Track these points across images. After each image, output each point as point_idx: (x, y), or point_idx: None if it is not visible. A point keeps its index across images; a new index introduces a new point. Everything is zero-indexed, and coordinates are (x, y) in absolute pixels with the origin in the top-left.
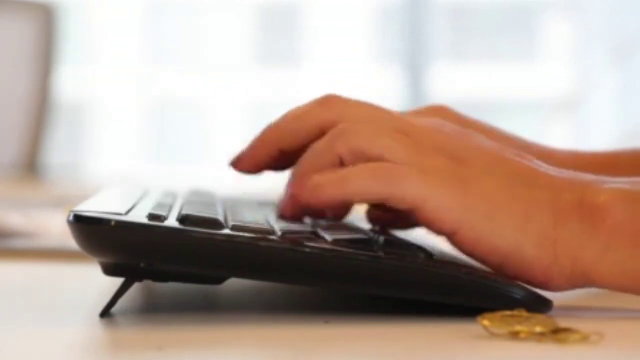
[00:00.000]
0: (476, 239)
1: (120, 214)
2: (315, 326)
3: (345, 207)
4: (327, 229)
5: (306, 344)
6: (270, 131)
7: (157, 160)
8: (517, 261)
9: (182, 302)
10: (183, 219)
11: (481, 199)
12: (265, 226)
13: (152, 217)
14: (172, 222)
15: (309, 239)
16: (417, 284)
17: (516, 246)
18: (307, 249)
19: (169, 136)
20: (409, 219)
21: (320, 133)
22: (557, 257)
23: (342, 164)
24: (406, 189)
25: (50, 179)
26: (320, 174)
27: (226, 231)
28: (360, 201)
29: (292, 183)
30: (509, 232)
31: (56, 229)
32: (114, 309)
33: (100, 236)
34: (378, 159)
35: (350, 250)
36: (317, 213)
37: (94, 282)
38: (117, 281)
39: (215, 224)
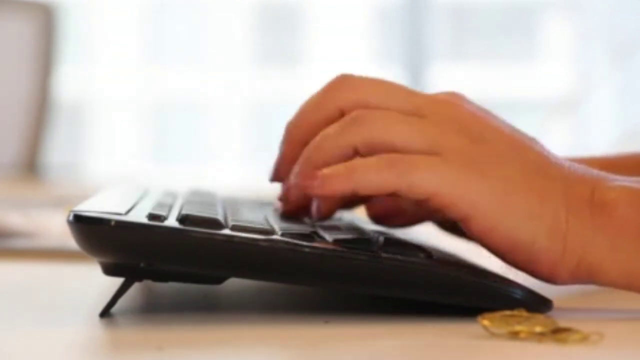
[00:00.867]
0: (488, 226)
1: (120, 214)
2: (315, 326)
3: (354, 200)
4: (327, 229)
5: (306, 344)
6: (292, 130)
7: (157, 160)
8: (526, 251)
9: (182, 302)
10: (183, 219)
11: (497, 185)
12: (265, 226)
13: (152, 217)
14: (172, 222)
15: (309, 239)
16: (417, 284)
17: (528, 236)
18: (307, 249)
19: (168, 136)
20: (410, 215)
21: (342, 115)
22: (566, 250)
23: (356, 153)
24: (416, 180)
25: (50, 179)
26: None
27: (226, 231)
28: (371, 193)
29: (301, 173)
30: (522, 222)
31: (56, 229)
32: (114, 309)
33: (100, 236)
34: (392, 148)
35: (350, 250)
36: (310, 211)
37: (94, 282)
38: (117, 281)
39: (215, 224)
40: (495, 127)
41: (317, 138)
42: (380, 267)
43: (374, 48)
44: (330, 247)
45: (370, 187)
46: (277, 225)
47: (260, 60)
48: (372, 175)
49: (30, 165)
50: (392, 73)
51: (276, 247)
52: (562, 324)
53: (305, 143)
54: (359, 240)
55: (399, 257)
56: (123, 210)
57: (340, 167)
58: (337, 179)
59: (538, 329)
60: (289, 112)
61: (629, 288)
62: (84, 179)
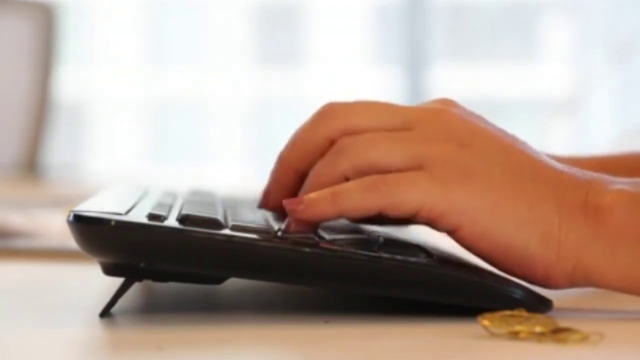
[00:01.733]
0: (479, 234)
1: (120, 214)
2: (315, 326)
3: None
4: (327, 229)
5: (306, 344)
6: (283, 160)
7: (157, 160)
8: (519, 258)
9: (182, 302)
10: (183, 219)
11: (486, 192)
12: (265, 226)
13: (152, 217)
14: (172, 222)
15: (309, 239)
16: (417, 284)
17: (519, 243)
18: (307, 249)
19: (169, 136)
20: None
21: (331, 144)
22: (560, 256)
23: (347, 180)
24: (398, 198)
25: (50, 179)
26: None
27: (226, 231)
28: (357, 216)
29: (289, 200)
30: (513, 228)
31: (56, 229)
32: (114, 309)
33: (100, 236)
34: (377, 169)
35: (350, 250)
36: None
37: (94, 282)
38: (117, 281)
39: (215, 224)
40: (485, 131)
41: (310, 176)
42: (380, 267)
43: (373, 48)
44: (330, 247)
45: (355, 209)
46: (277, 225)
47: (260, 60)
48: (356, 198)
49: (30, 165)
50: (392, 73)
51: (276, 247)
52: (562, 324)
53: (296, 171)
54: (359, 240)
55: (399, 257)
56: (123, 210)
57: (325, 191)
58: (322, 202)
59: (538, 329)
60: (289, 111)
61: (629, 291)
62: (84, 179)
